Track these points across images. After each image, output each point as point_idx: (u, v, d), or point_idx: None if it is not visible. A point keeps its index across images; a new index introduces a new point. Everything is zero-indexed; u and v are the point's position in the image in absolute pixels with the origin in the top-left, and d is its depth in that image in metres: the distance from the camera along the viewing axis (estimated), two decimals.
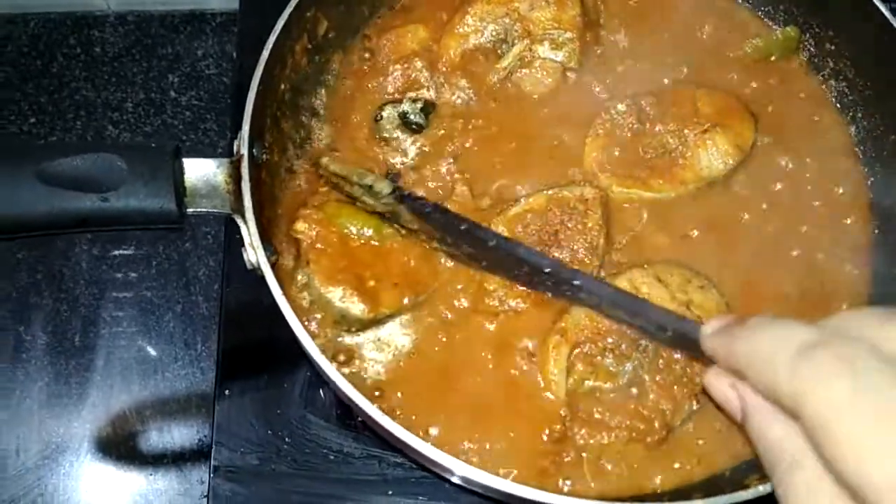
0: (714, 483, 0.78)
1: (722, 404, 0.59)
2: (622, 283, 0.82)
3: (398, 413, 0.81)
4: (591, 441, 0.80)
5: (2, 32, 1.27)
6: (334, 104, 0.97)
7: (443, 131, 0.94)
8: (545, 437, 0.80)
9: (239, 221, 0.76)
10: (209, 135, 1.22)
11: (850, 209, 0.93)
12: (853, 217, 0.92)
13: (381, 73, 0.97)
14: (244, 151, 0.77)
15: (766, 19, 1.05)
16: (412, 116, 0.94)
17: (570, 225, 0.85)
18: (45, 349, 1.09)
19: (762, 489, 0.67)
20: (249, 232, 0.75)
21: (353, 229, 0.85)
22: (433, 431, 0.81)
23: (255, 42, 0.85)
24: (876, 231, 0.92)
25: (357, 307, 0.82)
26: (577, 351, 0.80)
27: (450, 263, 0.86)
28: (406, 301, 0.84)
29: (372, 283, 0.84)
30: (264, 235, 0.76)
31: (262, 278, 0.75)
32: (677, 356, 0.79)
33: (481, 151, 0.93)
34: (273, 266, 0.75)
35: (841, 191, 0.94)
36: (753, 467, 0.77)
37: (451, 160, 0.92)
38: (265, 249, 0.75)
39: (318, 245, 0.84)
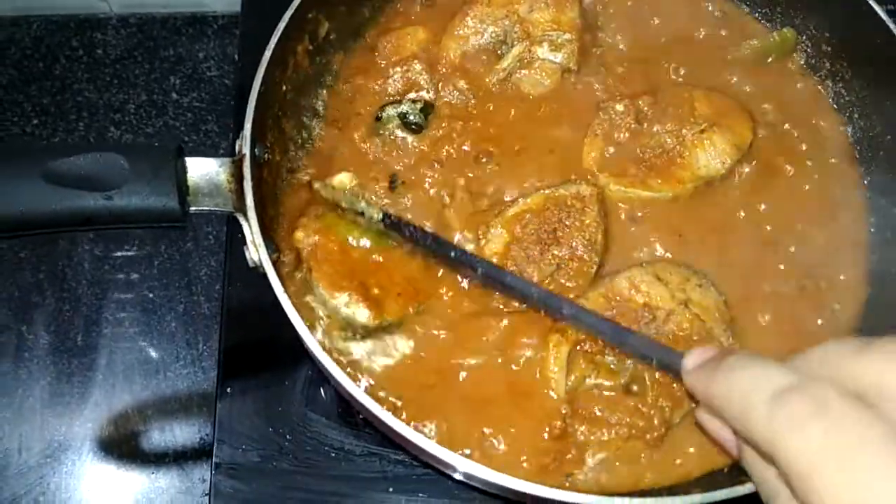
0: (712, 479, 0.78)
1: (716, 439, 0.59)
2: (622, 282, 0.83)
3: (401, 410, 0.82)
4: (592, 438, 0.80)
5: (5, 35, 1.28)
6: (335, 105, 0.98)
7: (442, 132, 0.95)
8: (546, 435, 0.80)
9: (241, 220, 0.77)
10: (210, 136, 1.23)
11: (846, 208, 0.94)
12: (850, 216, 0.93)
13: (381, 75, 0.98)
14: (246, 151, 0.78)
15: (763, 21, 1.06)
16: (411, 117, 0.95)
17: (567, 223, 0.85)
18: (48, 348, 1.09)
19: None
20: (251, 230, 0.76)
21: (352, 240, 0.85)
22: (435, 429, 0.81)
23: (256, 44, 0.85)
24: (872, 230, 0.93)
25: (362, 313, 0.82)
26: (577, 349, 0.81)
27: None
28: (410, 310, 0.84)
29: (376, 290, 0.84)
30: (266, 233, 0.77)
31: (264, 276, 0.75)
32: None
33: (480, 152, 0.94)
34: (275, 264, 0.75)
35: (838, 190, 0.95)
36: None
37: (451, 161, 0.93)
38: (267, 247, 0.76)
39: (319, 254, 0.84)
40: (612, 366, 0.81)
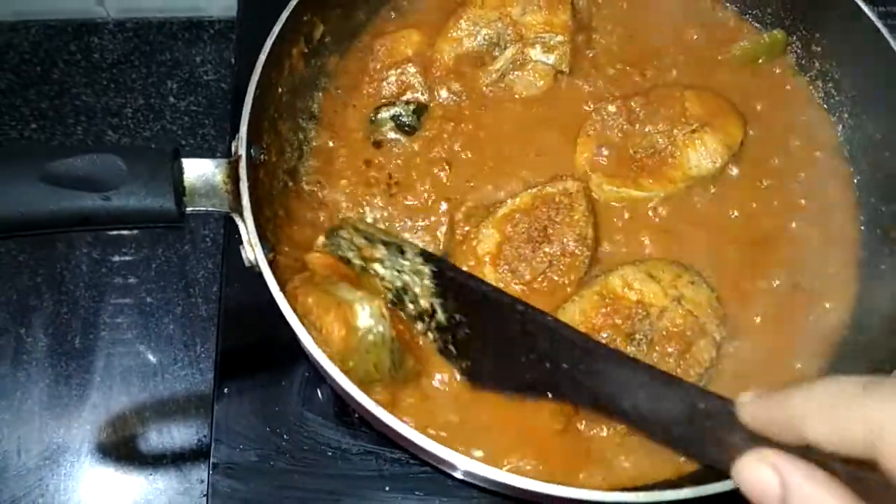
0: (707, 475, 0.79)
1: (757, 494, 0.55)
2: (615, 280, 0.84)
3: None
4: (592, 433, 0.81)
5: (3, 39, 1.29)
6: (330, 107, 0.99)
7: (435, 133, 0.96)
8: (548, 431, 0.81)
9: (237, 220, 0.78)
10: (207, 139, 1.23)
11: (837, 206, 0.95)
12: (840, 214, 0.94)
13: (376, 77, 0.99)
14: (242, 152, 0.79)
15: (753, 22, 1.06)
16: (405, 119, 0.95)
17: (557, 219, 0.86)
18: (46, 351, 1.09)
19: None
20: (248, 230, 0.77)
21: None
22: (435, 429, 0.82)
23: (252, 48, 0.86)
24: (862, 228, 0.94)
25: None
26: None
27: None
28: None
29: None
30: (262, 233, 0.78)
31: (260, 276, 0.76)
32: (670, 349, 0.81)
33: (473, 153, 0.95)
34: (270, 263, 0.76)
35: (828, 189, 0.96)
36: None
37: (443, 162, 0.94)
38: (263, 247, 0.76)
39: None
40: None
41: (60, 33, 1.30)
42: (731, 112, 0.96)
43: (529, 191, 0.89)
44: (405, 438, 0.71)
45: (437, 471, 0.89)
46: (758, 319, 0.87)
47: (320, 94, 1.00)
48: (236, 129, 0.81)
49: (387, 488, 0.91)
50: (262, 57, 0.85)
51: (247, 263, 0.78)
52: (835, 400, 0.50)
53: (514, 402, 0.81)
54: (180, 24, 1.32)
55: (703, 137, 0.93)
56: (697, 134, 0.93)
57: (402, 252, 0.81)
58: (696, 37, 1.04)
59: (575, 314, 0.82)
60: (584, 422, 0.81)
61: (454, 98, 0.98)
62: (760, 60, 1.03)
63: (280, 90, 0.91)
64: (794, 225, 0.92)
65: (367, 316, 0.77)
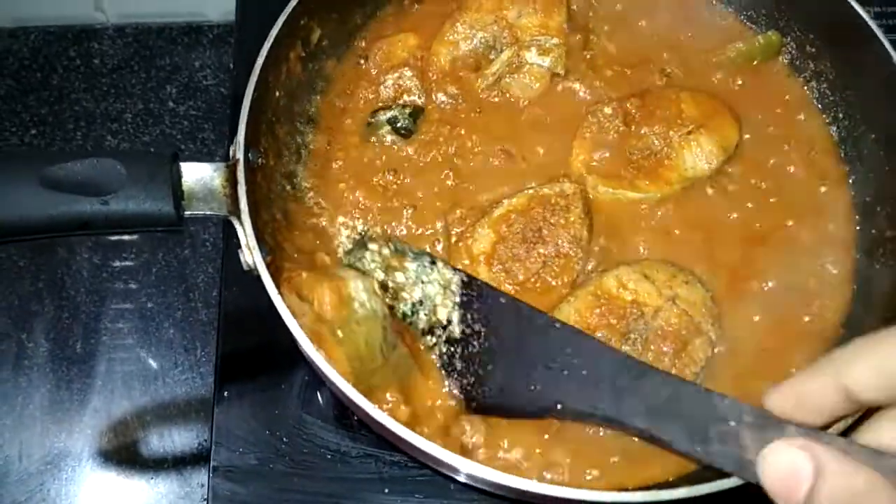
0: (703, 475, 0.79)
1: (784, 482, 0.56)
2: (609, 280, 0.84)
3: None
4: (589, 432, 0.81)
5: (3, 46, 1.30)
6: (328, 110, 0.99)
7: (432, 136, 0.96)
8: (546, 435, 0.81)
9: (235, 223, 0.78)
10: (207, 144, 1.24)
11: (832, 207, 0.95)
12: (836, 214, 0.94)
13: (372, 80, 1.00)
14: (240, 156, 0.79)
15: (748, 23, 1.07)
16: (401, 122, 0.96)
17: (552, 221, 0.87)
18: (47, 356, 1.10)
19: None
20: (246, 233, 0.77)
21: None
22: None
23: (251, 53, 0.87)
24: (858, 228, 0.94)
25: None
26: None
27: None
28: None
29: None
30: (260, 237, 0.78)
31: (259, 279, 0.76)
32: (665, 349, 0.81)
33: (469, 156, 0.95)
34: (269, 266, 0.76)
35: (823, 189, 0.96)
36: None
37: (440, 165, 0.94)
38: (261, 250, 0.77)
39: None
40: None
41: (60, 39, 1.31)
42: (727, 113, 0.96)
43: (526, 191, 0.90)
44: (404, 441, 0.71)
45: (436, 473, 0.89)
46: (753, 319, 0.87)
47: (318, 98, 1.00)
48: (235, 134, 0.81)
49: (386, 491, 0.91)
50: (260, 61, 0.85)
51: (245, 267, 0.78)
52: (874, 343, 0.53)
53: None
54: (179, 30, 1.32)
55: (698, 139, 0.93)
56: (693, 135, 0.93)
57: (434, 263, 0.82)
58: (691, 39, 1.04)
59: (570, 314, 0.82)
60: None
61: (450, 101, 0.98)
62: (755, 62, 1.03)
63: (278, 94, 0.92)
64: (789, 225, 0.92)
65: (360, 289, 0.78)
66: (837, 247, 0.92)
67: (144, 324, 1.12)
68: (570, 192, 0.89)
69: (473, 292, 0.80)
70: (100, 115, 1.25)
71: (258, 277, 0.77)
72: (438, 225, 0.91)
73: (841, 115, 1.00)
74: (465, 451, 0.80)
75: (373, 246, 0.84)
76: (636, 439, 0.79)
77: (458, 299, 0.80)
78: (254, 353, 0.99)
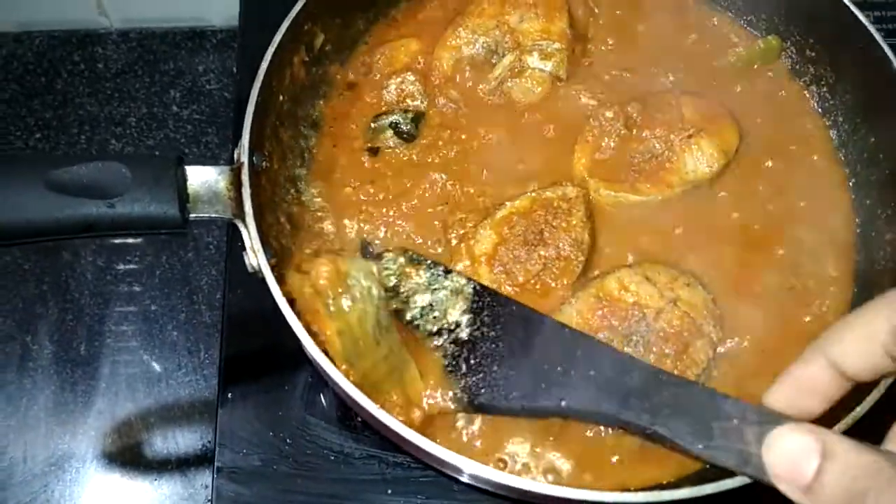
0: (704, 476, 0.80)
1: (789, 466, 0.56)
2: (611, 282, 0.85)
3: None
4: (589, 434, 0.82)
5: (8, 50, 1.31)
6: (332, 115, 1.00)
7: (433, 140, 0.97)
8: (550, 437, 0.82)
9: (240, 226, 0.79)
10: (210, 147, 1.24)
11: (832, 210, 0.95)
12: (836, 217, 0.95)
13: (375, 85, 1.00)
14: (244, 159, 0.80)
15: (748, 28, 1.08)
16: (403, 126, 0.97)
17: (554, 224, 0.87)
18: (52, 358, 1.10)
19: (746, 478, 0.69)
20: (250, 236, 0.78)
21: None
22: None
23: (255, 57, 0.87)
24: (858, 230, 0.95)
25: None
26: None
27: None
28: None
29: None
30: (264, 239, 0.79)
31: (263, 281, 0.77)
32: (667, 350, 0.82)
33: (471, 160, 0.96)
34: (273, 269, 0.77)
35: (824, 192, 0.96)
36: None
37: (441, 169, 0.95)
38: (265, 253, 0.77)
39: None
40: None
41: (64, 44, 1.32)
42: (727, 117, 0.97)
43: (529, 194, 0.90)
44: (408, 442, 0.72)
45: (440, 474, 0.89)
46: (754, 321, 0.87)
47: (321, 102, 1.01)
48: (239, 137, 0.82)
49: (389, 492, 0.91)
50: (264, 65, 0.86)
51: (250, 269, 0.78)
52: (854, 318, 0.56)
53: None
54: (183, 34, 1.33)
55: (699, 142, 0.94)
56: (694, 139, 0.94)
57: (448, 273, 0.82)
58: (691, 44, 1.05)
59: (572, 316, 0.83)
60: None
61: (453, 105, 0.99)
62: (756, 66, 1.04)
63: (281, 98, 0.92)
64: (790, 228, 0.93)
65: (358, 268, 0.79)
66: (838, 249, 0.93)
67: (148, 326, 1.12)
68: (573, 196, 0.90)
69: (484, 300, 0.81)
70: (104, 119, 1.26)
71: (262, 280, 0.77)
72: (439, 227, 0.92)
73: (841, 119, 1.00)
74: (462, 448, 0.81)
75: (389, 255, 0.84)
76: (638, 441, 0.79)
77: (468, 305, 0.81)
78: (257, 355, 0.99)
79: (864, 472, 0.52)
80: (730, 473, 0.69)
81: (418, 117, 0.97)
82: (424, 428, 0.78)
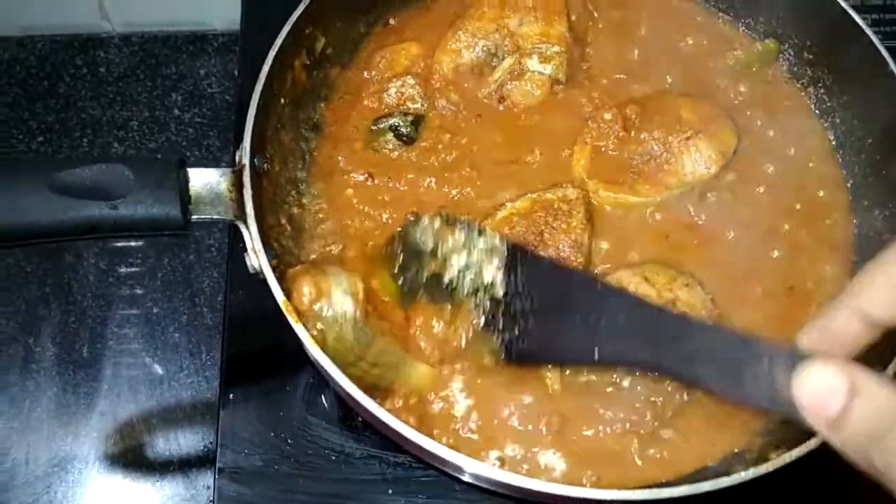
0: (702, 475, 0.80)
1: (818, 401, 0.57)
2: (611, 283, 0.85)
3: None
4: (590, 433, 0.82)
5: (10, 54, 1.31)
6: (333, 118, 1.01)
7: (433, 143, 0.97)
8: (544, 431, 0.83)
9: (241, 227, 0.79)
10: (212, 150, 1.25)
11: (830, 210, 0.96)
12: (833, 218, 0.95)
13: (376, 88, 1.01)
14: (246, 161, 0.80)
15: (746, 31, 1.08)
16: (403, 129, 0.97)
17: (555, 225, 0.88)
18: (54, 360, 1.10)
19: (744, 475, 0.70)
20: (252, 237, 0.78)
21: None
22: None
23: (256, 61, 0.88)
24: (855, 231, 0.95)
25: None
26: None
27: None
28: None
29: None
30: (266, 241, 0.79)
31: (265, 282, 0.77)
32: None
33: (471, 162, 0.96)
34: (274, 270, 0.78)
35: (821, 193, 0.97)
36: (741, 460, 0.80)
37: (441, 171, 0.96)
38: (266, 254, 0.78)
39: None
40: None
41: (66, 48, 1.32)
42: (725, 119, 0.97)
43: (530, 195, 0.91)
44: (409, 441, 0.72)
45: (442, 474, 0.90)
46: (753, 321, 0.88)
47: (322, 105, 1.01)
48: (240, 140, 0.83)
49: (390, 492, 0.92)
50: (265, 68, 0.87)
51: (251, 270, 0.79)
52: (881, 264, 0.57)
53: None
54: (185, 38, 1.34)
55: (697, 144, 0.94)
56: (692, 141, 0.94)
57: (482, 233, 0.83)
58: (690, 47, 1.05)
59: None
60: (580, 422, 0.82)
61: (452, 108, 0.99)
62: (754, 68, 1.05)
63: (283, 101, 0.93)
64: (788, 228, 0.94)
65: (338, 287, 0.79)
66: (835, 249, 0.94)
67: (150, 328, 1.13)
68: (573, 198, 0.90)
69: (517, 257, 0.82)
70: (106, 122, 1.26)
71: (263, 280, 0.78)
72: None
73: (838, 121, 1.01)
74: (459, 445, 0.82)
75: (426, 218, 0.85)
76: (636, 438, 0.80)
77: (502, 263, 0.82)
78: (258, 356, 1.00)
79: (886, 414, 0.53)
80: (725, 472, 0.70)
81: (418, 120, 0.98)
82: (420, 426, 0.79)
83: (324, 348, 0.76)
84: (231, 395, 0.96)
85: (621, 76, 1.02)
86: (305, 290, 0.78)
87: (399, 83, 1.00)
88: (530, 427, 0.83)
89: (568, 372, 0.83)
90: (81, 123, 1.26)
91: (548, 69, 0.99)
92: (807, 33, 1.03)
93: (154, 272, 1.16)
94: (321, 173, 0.97)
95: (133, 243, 1.17)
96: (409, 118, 0.98)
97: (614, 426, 0.81)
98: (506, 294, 0.81)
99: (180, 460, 1.06)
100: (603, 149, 0.95)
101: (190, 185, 0.79)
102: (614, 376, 0.83)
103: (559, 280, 0.81)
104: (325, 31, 0.99)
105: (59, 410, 1.08)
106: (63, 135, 1.25)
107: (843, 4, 0.95)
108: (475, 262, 0.82)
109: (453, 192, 0.95)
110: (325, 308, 0.79)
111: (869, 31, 0.94)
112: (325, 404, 0.97)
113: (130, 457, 1.06)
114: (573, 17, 1.04)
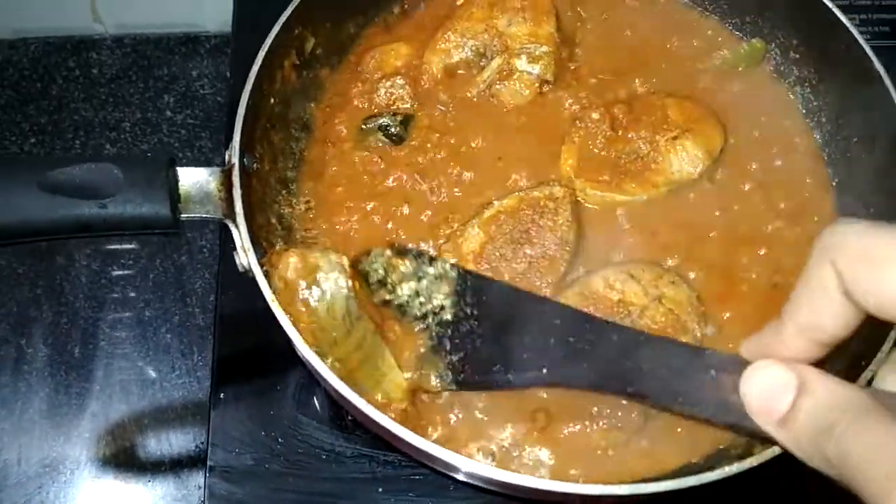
0: (688, 470, 0.81)
1: (766, 400, 0.57)
2: (596, 280, 0.86)
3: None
4: (576, 429, 0.83)
5: (3, 56, 1.32)
6: (323, 118, 1.01)
7: (422, 143, 0.98)
8: (531, 427, 0.83)
9: (231, 226, 0.79)
10: (204, 152, 1.26)
11: (816, 209, 0.96)
12: (819, 216, 0.96)
13: (366, 88, 1.01)
14: (235, 160, 0.81)
15: (733, 31, 1.09)
16: (392, 129, 0.98)
17: (541, 223, 0.88)
18: (46, 361, 1.11)
19: (728, 470, 0.70)
20: (241, 236, 0.79)
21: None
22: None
23: (248, 62, 0.88)
24: None
25: None
26: None
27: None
28: None
29: None
30: (255, 240, 0.80)
31: (254, 281, 0.78)
32: None
33: (459, 161, 0.96)
34: (263, 267, 0.78)
35: (807, 193, 0.97)
36: (726, 456, 0.80)
37: (430, 171, 0.96)
38: (256, 253, 0.78)
39: None
40: None
41: (59, 49, 1.33)
42: (712, 118, 0.98)
43: (517, 193, 0.91)
44: (398, 438, 0.72)
45: (433, 472, 0.90)
46: (738, 318, 0.88)
47: (312, 105, 1.02)
48: (231, 140, 0.83)
49: (380, 490, 0.92)
50: (255, 68, 0.87)
51: (240, 269, 0.79)
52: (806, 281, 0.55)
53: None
54: (177, 40, 1.34)
55: (684, 143, 0.95)
56: (679, 140, 0.95)
57: (432, 260, 0.83)
58: (677, 47, 1.06)
59: None
60: (567, 418, 0.82)
61: (441, 108, 1.00)
62: (740, 68, 1.05)
63: (272, 101, 0.93)
64: (773, 227, 0.94)
65: (327, 262, 0.80)
66: None
67: (142, 329, 1.13)
68: (560, 196, 0.91)
69: (468, 282, 0.82)
70: (98, 124, 1.27)
71: (253, 279, 0.78)
72: (428, 227, 0.93)
73: (824, 120, 1.01)
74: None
75: (376, 250, 0.85)
76: (624, 434, 0.80)
77: (452, 288, 0.82)
78: (249, 356, 1.00)
79: (838, 405, 0.53)
80: (710, 467, 0.71)
81: (407, 120, 0.98)
82: (404, 421, 0.79)
83: (313, 322, 0.77)
84: (222, 395, 0.97)
85: (609, 76, 1.03)
86: (292, 261, 0.78)
87: (389, 83, 1.01)
88: (517, 424, 0.83)
89: None
90: (74, 125, 1.27)
91: (536, 69, 1.00)
92: (793, 33, 1.03)
93: (146, 273, 1.17)
94: (311, 173, 0.97)
95: (125, 245, 1.18)
96: (399, 118, 0.98)
97: (601, 422, 0.82)
98: (454, 317, 0.82)
99: (172, 460, 1.06)
100: (590, 148, 0.95)
101: (179, 184, 0.79)
102: None
103: (507, 301, 0.81)
104: (315, 32, 0.99)
105: (50, 411, 1.08)
106: (56, 136, 1.26)
107: (829, 4, 0.96)
108: (424, 289, 0.83)
109: (442, 190, 0.95)
110: (319, 276, 0.79)
111: (855, 32, 0.94)
112: (316, 403, 0.97)
113: (122, 457, 1.07)
114: (562, 18, 1.05)
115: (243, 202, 0.79)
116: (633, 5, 1.09)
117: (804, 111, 1.04)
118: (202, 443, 1.05)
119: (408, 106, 1.00)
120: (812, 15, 0.98)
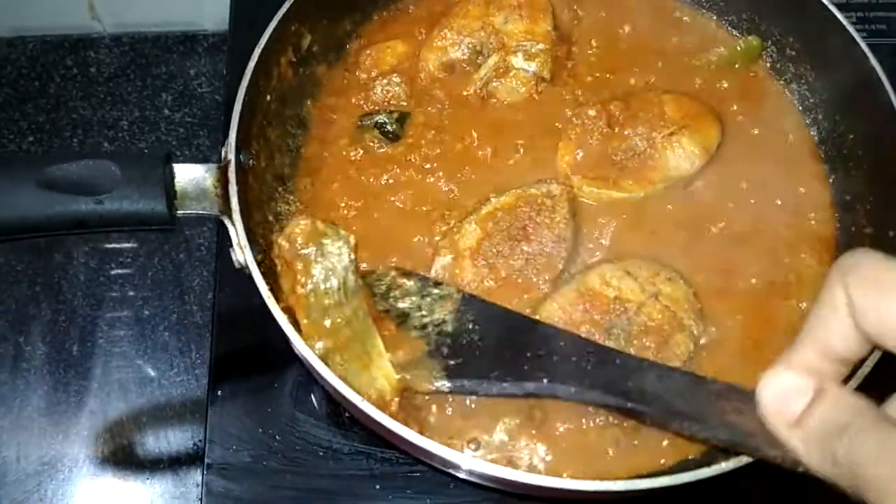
0: (685, 466, 0.81)
1: (780, 404, 0.57)
2: (593, 277, 0.86)
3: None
4: (572, 426, 0.83)
5: (1, 54, 1.32)
6: (318, 114, 1.01)
7: (418, 140, 0.98)
8: (527, 423, 0.83)
9: (227, 222, 0.80)
10: (202, 150, 1.26)
11: (812, 206, 0.96)
12: (816, 213, 0.96)
13: (362, 85, 1.02)
14: (231, 157, 0.81)
15: (729, 28, 1.09)
16: (389, 126, 0.98)
17: (538, 220, 0.88)
18: (44, 359, 1.11)
19: (724, 466, 0.70)
20: (237, 232, 0.79)
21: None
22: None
23: (244, 61, 0.88)
24: (837, 226, 0.96)
25: None
26: None
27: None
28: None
29: None
30: (252, 237, 0.80)
31: (251, 277, 0.78)
32: (648, 343, 0.83)
33: (455, 159, 0.97)
34: (260, 265, 0.78)
35: (803, 189, 0.97)
36: (722, 453, 0.80)
37: (426, 168, 0.96)
38: (252, 250, 0.78)
39: None
40: None
41: (57, 48, 1.33)
42: (708, 115, 0.98)
43: (514, 190, 0.91)
44: (395, 435, 0.72)
45: (430, 469, 0.90)
46: (735, 314, 0.88)
47: (308, 102, 1.02)
48: (227, 137, 0.83)
49: (377, 487, 0.93)
50: (251, 65, 0.87)
51: (237, 265, 0.80)
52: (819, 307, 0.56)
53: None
54: (175, 38, 1.34)
55: (680, 140, 0.95)
56: (675, 137, 0.95)
57: (438, 285, 0.84)
58: (674, 44, 1.06)
59: (554, 310, 0.84)
60: (564, 415, 0.82)
61: (438, 105, 1.00)
62: (737, 65, 1.05)
63: (269, 98, 0.93)
64: (770, 224, 0.94)
65: (333, 232, 0.80)
66: (818, 243, 0.94)
67: (140, 327, 1.13)
68: (557, 193, 0.91)
69: (472, 306, 0.83)
70: (96, 122, 1.27)
71: (250, 276, 0.78)
72: (424, 224, 0.93)
73: (821, 117, 1.02)
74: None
75: (381, 269, 0.86)
76: (619, 432, 0.81)
77: (456, 307, 0.83)
78: (247, 353, 1.00)
79: (851, 410, 0.54)
80: (706, 463, 0.71)
81: (403, 117, 0.99)
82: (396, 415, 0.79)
83: (308, 282, 0.77)
84: (220, 392, 0.97)
85: (605, 73, 1.03)
86: (303, 222, 0.79)
87: (385, 81, 1.01)
88: (514, 421, 0.83)
89: None
90: (72, 123, 1.27)
91: (532, 66, 1.00)
92: (790, 31, 1.03)
93: (144, 271, 1.17)
94: (307, 169, 0.98)
95: (124, 244, 1.18)
96: (395, 115, 0.98)
97: (597, 419, 0.82)
98: (456, 330, 0.83)
99: (170, 458, 1.06)
100: (587, 145, 0.95)
101: (175, 180, 0.79)
102: None
103: (510, 322, 0.82)
104: (311, 29, 0.99)
105: (49, 409, 1.08)
106: (53, 135, 1.26)
107: (826, 2, 0.96)
108: (427, 304, 0.83)
109: (439, 187, 0.95)
110: (325, 241, 0.79)
111: (852, 29, 0.94)
112: (313, 401, 0.97)
113: (120, 454, 1.07)
114: (558, 16, 1.05)
115: (239, 199, 0.79)
116: (630, 3, 1.09)
117: (801, 108, 1.04)
118: (200, 440, 1.05)
119: (404, 103, 1.00)
120: (809, 12, 0.99)
